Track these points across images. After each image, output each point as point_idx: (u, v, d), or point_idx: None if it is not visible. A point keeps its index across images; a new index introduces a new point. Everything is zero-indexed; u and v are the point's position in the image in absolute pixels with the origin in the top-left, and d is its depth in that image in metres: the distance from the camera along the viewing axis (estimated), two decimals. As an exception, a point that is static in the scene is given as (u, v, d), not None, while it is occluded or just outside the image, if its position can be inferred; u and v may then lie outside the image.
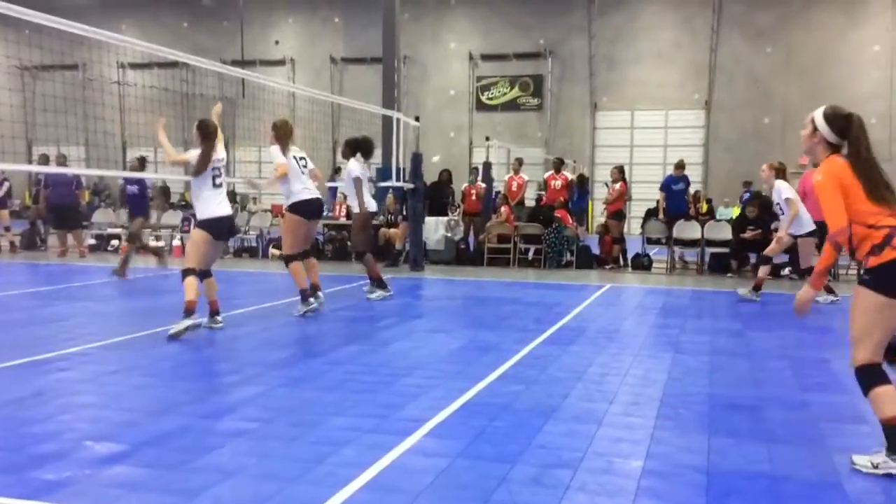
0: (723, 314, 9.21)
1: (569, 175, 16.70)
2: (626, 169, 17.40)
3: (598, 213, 22.41)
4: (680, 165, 14.77)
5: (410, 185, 13.54)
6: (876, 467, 3.74)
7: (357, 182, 9.44)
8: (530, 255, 14.43)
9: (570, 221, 14.37)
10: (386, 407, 4.78)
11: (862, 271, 4.12)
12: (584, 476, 3.67)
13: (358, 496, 3.38)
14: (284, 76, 29.89)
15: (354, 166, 9.55)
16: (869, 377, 3.95)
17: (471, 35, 29.34)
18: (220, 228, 7.28)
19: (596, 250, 14.53)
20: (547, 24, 28.19)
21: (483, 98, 29.39)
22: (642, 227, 15.03)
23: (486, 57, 29.09)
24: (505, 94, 29.14)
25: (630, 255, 14.30)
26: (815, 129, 4.23)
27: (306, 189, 8.32)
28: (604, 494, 3.46)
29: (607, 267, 13.88)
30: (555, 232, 13.83)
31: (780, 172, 10.23)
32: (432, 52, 29.52)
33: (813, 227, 9.84)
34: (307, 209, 8.36)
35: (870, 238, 3.99)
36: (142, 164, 12.63)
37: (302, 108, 28.24)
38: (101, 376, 5.56)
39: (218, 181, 7.26)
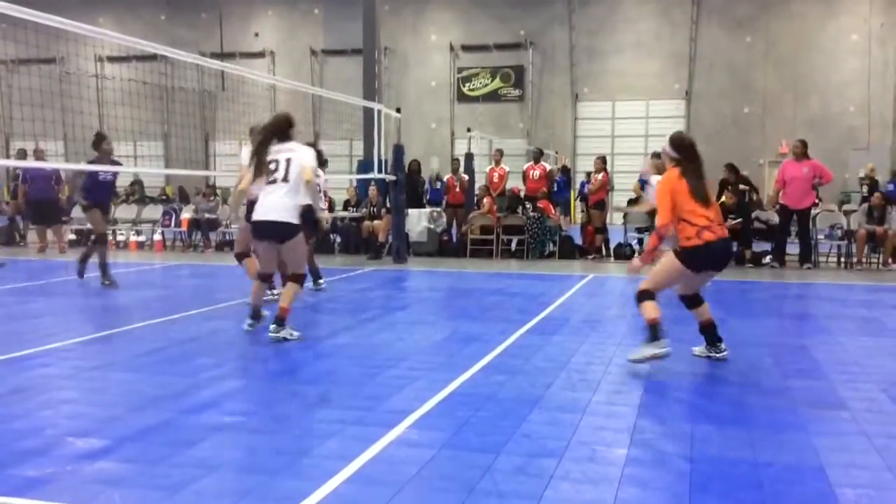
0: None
1: (548, 165, 16.72)
2: (608, 159, 17.44)
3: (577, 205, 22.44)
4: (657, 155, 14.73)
5: (392, 177, 13.51)
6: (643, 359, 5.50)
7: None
8: (513, 246, 14.46)
9: (553, 212, 14.40)
10: (370, 399, 4.77)
11: (678, 248, 5.55)
12: (569, 465, 3.68)
13: (342, 488, 3.38)
14: (264, 69, 29.72)
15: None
16: (644, 297, 5.60)
17: (451, 26, 29.28)
18: (256, 231, 6.68)
19: (578, 240, 14.57)
20: (527, 14, 28.19)
21: (464, 89, 29.36)
22: (624, 217, 15.08)
23: (467, 48, 29.06)
24: (486, 85, 29.13)
25: (612, 245, 14.35)
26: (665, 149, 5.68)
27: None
28: (588, 483, 3.47)
29: (590, 257, 13.93)
30: (537, 223, 13.85)
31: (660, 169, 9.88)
32: (413, 43, 29.44)
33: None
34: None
35: (686, 229, 5.45)
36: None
37: (283, 101, 28.07)
38: (82, 372, 5.52)
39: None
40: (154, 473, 3.53)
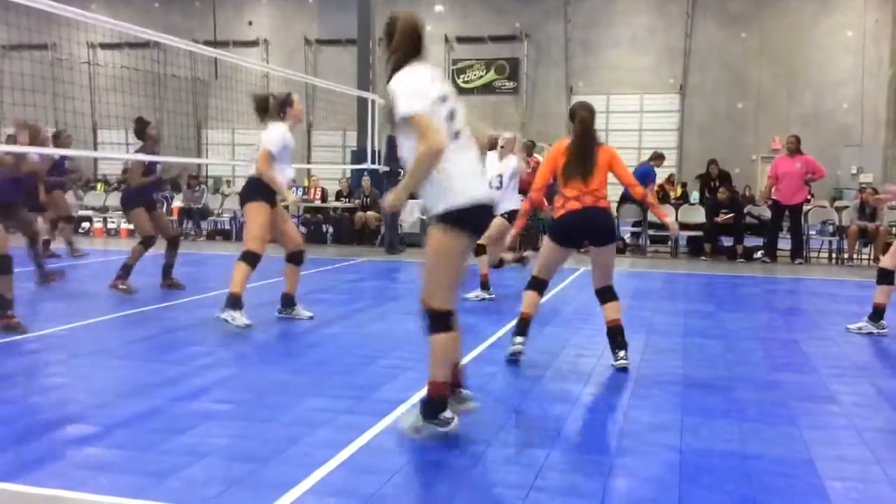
0: (696, 296, 9.29)
1: (540, 158, 16.71)
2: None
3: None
4: (659, 156, 14.68)
5: (385, 168, 13.49)
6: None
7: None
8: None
9: (546, 204, 14.39)
10: (361, 388, 4.77)
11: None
12: (559, 455, 3.69)
13: (332, 476, 3.37)
14: (258, 57, 29.58)
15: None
16: (530, 284, 5.63)
17: (446, 17, 29.18)
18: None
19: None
20: (523, 7, 28.11)
21: (459, 81, 29.26)
22: (617, 210, 15.09)
23: (462, 40, 28.96)
24: (481, 77, 29.05)
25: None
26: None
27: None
28: (578, 473, 3.48)
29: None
30: (530, 214, 13.85)
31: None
32: (408, 34, 29.32)
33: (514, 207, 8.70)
34: None
35: (558, 201, 5.46)
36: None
37: (276, 89, 27.87)
38: (73, 358, 5.50)
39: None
40: (143, 460, 3.52)
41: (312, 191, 16.09)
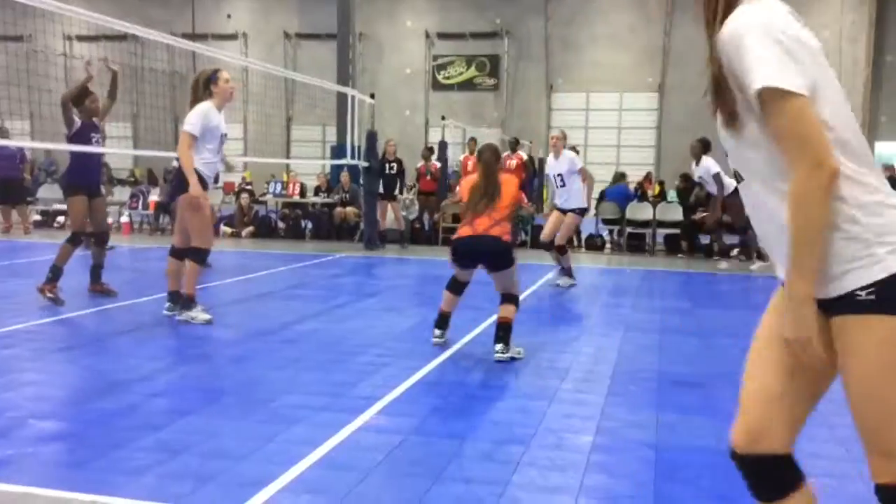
0: (673, 293, 9.34)
1: (524, 155, 16.75)
2: (581, 151, 17.50)
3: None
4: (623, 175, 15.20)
5: (365, 164, 13.44)
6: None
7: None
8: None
9: (525, 201, 14.41)
10: (338, 385, 4.75)
11: None
12: (536, 451, 3.69)
13: (308, 473, 3.36)
14: (237, 51, 29.37)
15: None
16: (451, 287, 5.88)
17: (427, 13, 29.14)
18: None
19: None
20: (503, 3, 28.12)
21: (439, 77, 29.26)
22: (596, 207, 15.14)
23: (443, 36, 28.94)
24: (461, 73, 29.05)
25: (584, 236, 14.41)
26: None
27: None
28: (554, 469, 3.49)
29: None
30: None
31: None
32: (388, 29, 29.27)
33: (583, 205, 9.19)
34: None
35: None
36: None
37: (255, 84, 27.76)
38: (46, 354, 5.44)
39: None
40: (117, 456, 3.49)
41: (291, 186, 16.00)
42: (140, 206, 16.02)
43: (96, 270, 7.87)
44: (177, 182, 6.63)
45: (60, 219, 16.01)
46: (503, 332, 5.52)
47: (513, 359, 5.47)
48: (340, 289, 8.96)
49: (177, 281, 6.74)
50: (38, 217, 16.01)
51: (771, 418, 1.99)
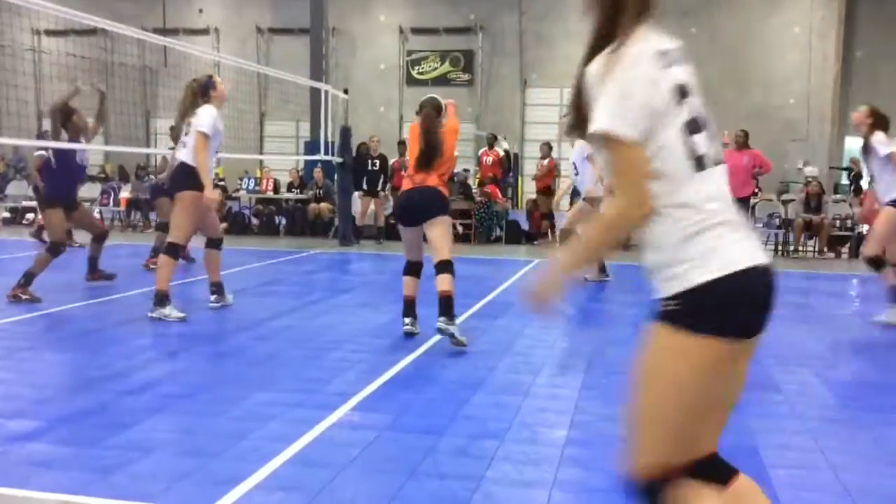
0: (646, 287, 9.37)
1: (500, 151, 16.77)
2: (556, 146, 17.54)
3: (528, 190, 22.59)
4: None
5: (339, 160, 13.39)
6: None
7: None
8: (460, 229, 14.46)
9: (500, 197, 14.46)
10: (312, 381, 4.73)
11: None
12: (510, 446, 3.70)
13: (282, 470, 3.34)
14: (209, 45, 29.12)
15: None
16: (407, 270, 6.01)
17: (401, 8, 29.06)
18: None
19: (525, 226, 14.65)
20: (477, -2, 28.12)
21: (414, 73, 29.19)
22: (570, 202, 15.19)
23: (417, 31, 28.88)
24: (436, 68, 29.00)
25: (558, 231, 14.45)
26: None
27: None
28: (529, 463, 3.50)
29: (536, 242, 14.02)
30: (484, 207, 13.89)
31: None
32: (362, 24, 29.14)
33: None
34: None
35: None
36: None
37: (227, 79, 27.49)
38: (15, 352, 5.36)
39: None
40: (88, 455, 3.45)
41: (265, 182, 15.90)
42: (111, 203, 15.84)
43: (94, 262, 8.32)
44: (181, 178, 6.65)
45: (29, 216, 15.78)
46: (447, 304, 5.60)
47: (453, 337, 5.54)
48: (314, 285, 8.93)
49: (216, 271, 7.05)
50: (6, 214, 15.77)
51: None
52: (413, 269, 6.03)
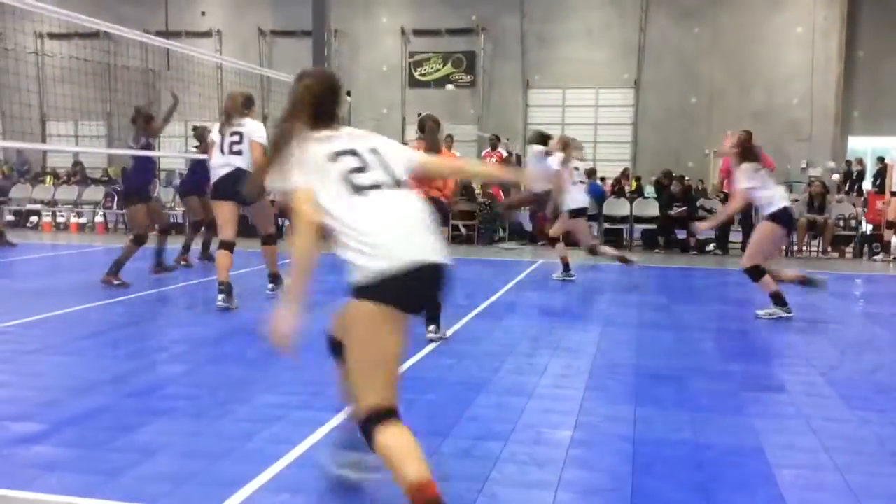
0: (650, 289, 9.40)
1: (503, 152, 16.77)
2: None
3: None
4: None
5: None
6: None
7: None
8: (463, 231, 14.47)
9: (503, 198, 14.45)
10: (316, 384, 4.72)
11: None
12: (515, 447, 3.70)
13: (287, 472, 3.35)
14: (211, 48, 29.15)
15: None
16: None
17: (403, 10, 29.07)
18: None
19: (528, 227, 14.64)
20: (479, 0, 28.12)
21: (416, 74, 29.20)
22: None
23: (419, 32, 28.87)
24: (438, 70, 28.99)
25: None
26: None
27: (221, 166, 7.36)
28: (533, 464, 3.50)
29: (539, 243, 14.01)
30: (487, 209, 13.89)
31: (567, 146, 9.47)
32: (364, 26, 29.16)
33: (580, 205, 9.45)
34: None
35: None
36: None
37: (230, 81, 27.46)
38: (20, 355, 5.37)
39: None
40: (93, 458, 3.46)
41: (268, 184, 15.90)
42: (115, 206, 15.85)
43: (159, 255, 9.23)
44: (236, 180, 7.10)
45: (34, 219, 15.82)
46: (437, 310, 5.83)
47: (440, 338, 5.87)
48: (318, 286, 8.92)
49: (275, 263, 7.96)
50: (11, 217, 15.79)
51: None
52: None
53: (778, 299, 7.12)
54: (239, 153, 7.16)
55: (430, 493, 2.54)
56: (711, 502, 3.17)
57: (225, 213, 7.34)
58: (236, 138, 7.17)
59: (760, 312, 7.18)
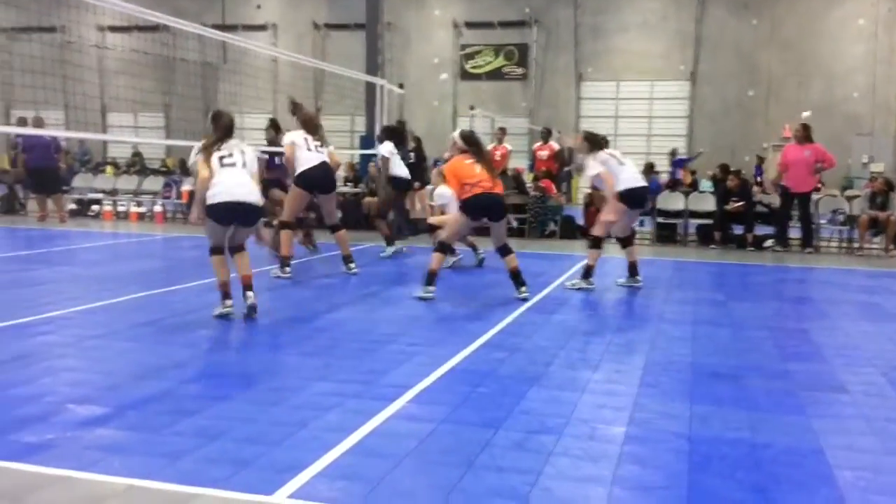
0: (705, 285, 9.26)
1: (556, 145, 16.67)
2: (611, 140, 17.36)
3: (583, 184, 22.37)
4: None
5: (394, 153, 13.43)
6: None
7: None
8: (514, 224, 14.42)
9: (554, 191, 14.38)
10: (370, 373, 4.78)
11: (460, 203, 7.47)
12: (568, 441, 3.69)
13: (342, 460, 3.39)
14: (267, 41, 29.51)
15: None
16: (439, 247, 7.54)
17: (455, 2, 29.05)
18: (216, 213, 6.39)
19: (580, 221, 14.53)
20: (532, -8, 27.96)
21: (467, 67, 29.17)
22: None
23: (471, 25, 28.84)
24: (490, 62, 28.94)
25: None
26: (455, 142, 7.77)
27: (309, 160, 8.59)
28: (587, 459, 3.48)
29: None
30: (539, 202, 13.82)
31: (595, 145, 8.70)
32: (416, 18, 29.22)
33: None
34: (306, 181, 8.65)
35: (464, 189, 7.35)
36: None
37: (284, 74, 27.87)
38: (84, 340, 5.52)
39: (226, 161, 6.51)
40: (154, 441, 3.54)
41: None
42: (173, 196, 16.17)
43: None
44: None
45: (95, 207, 16.21)
46: (518, 276, 7.37)
47: (525, 299, 7.11)
48: (370, 278, 8.99)
49: (346, 245, 8.98)
50: (73, 206, 16.22)
51: None
52: (448, 249, 7.81)
53: (588, 272, 8.14)
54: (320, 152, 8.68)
55: None
56: (769, 502, 3.13)
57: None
58: (318, 142, 8.74)
59: (568, 284, 8.26)
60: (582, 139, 8.57)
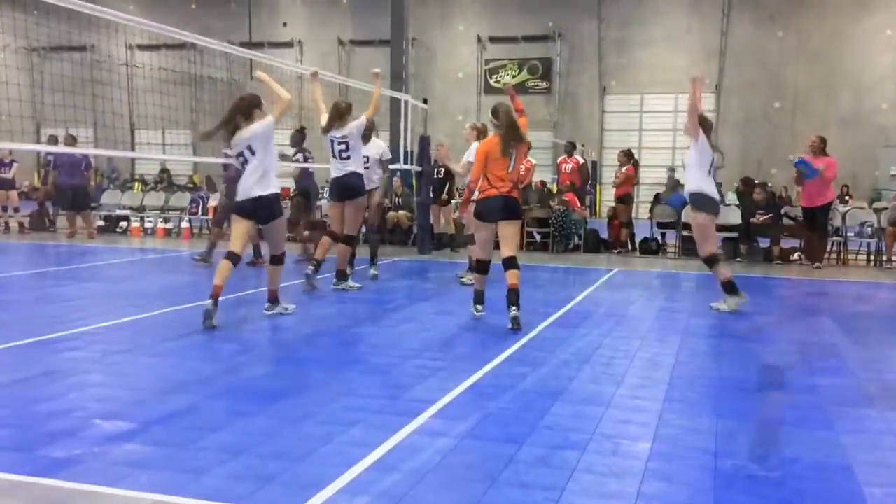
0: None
1: (580, 159, 16.63)
2: (635, 153, 17.31)
3: (606, 198, 22.33)
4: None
5: (418, 169, 13.50)
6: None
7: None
8: (538, 238, 14.41)
9: (578, 205, 14.34)
10: (394, 388, 4.79)
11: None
12: (592, 457, 3.67)
13: (366, 475, 3.39)
14: (293, 58, 29.80)
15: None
16: (478, 269, 7.14)
17: (479, 17, 29.18)
18: (242, 209, 6.97)
19: (604, 234, 14.49)
20: (556, 6, 28.01)
21: (491, 81, 29.25)
22: (650, 211, 14.97)
23: (495, 39, 28.95)
24: (514, 77, 28.99)
25: (638, 240, 14.26)
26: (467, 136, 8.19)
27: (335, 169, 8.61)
28: (611, 476, 3.46)
29: (615, 251, 13.85)
30: (563, 215, 13.80)
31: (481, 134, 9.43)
32: (441, 34, 29.39)
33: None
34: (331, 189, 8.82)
35: (483, 185, 6.84)
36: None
37: (310, 90, 28.04)
38: (110, 355, 5.58)
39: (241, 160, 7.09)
40: (180, 457, 3.57)
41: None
42: (199, 212, 16.34)
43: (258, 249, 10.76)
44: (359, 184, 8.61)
45: (123, 224, 16.41)
46: (514, 296, 6.63)
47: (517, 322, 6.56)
48: (394, 293, 9.02)
49: (344, 261, 8.85)
50: (101, 223, 16.44)
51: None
52: (485, 267, 7.04)
53: (729, 287, 7.80)
54: (347, 158, 8.45)
55: None
56: (797, 519, 3.09)
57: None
58: (343, 147, 8.46)
59: (720, 306, 7.84)
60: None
